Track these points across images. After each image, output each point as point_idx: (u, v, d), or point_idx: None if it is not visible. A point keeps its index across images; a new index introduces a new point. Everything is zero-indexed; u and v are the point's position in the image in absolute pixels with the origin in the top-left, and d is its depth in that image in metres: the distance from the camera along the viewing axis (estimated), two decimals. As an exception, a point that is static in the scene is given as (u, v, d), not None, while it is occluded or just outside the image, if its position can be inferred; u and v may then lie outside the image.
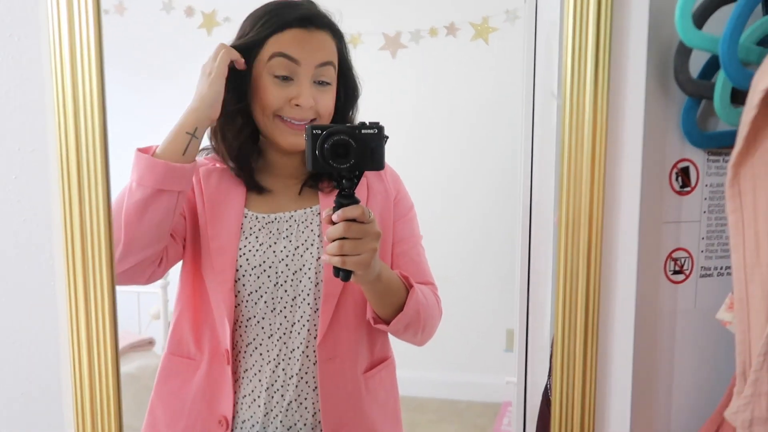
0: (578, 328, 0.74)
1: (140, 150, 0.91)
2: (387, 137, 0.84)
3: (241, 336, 0.98)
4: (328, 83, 0.97)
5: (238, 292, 0.96)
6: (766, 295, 0.68)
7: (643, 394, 0.82)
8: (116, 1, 2.67)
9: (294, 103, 0.95)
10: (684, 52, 0.74)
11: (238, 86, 0.96)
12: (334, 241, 0.82)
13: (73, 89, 0.74)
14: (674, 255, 0.82)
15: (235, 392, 0.98)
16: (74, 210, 0.75)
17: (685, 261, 0.82)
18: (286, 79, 0.95)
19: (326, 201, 1.00)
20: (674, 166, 0.80)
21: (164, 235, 0.93)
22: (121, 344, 2.09)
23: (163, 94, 2.78)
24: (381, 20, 3.03)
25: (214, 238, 0.97)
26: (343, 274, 0.84)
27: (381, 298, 0.93)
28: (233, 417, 0.98)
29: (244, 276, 0.96)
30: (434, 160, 2.90)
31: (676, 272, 0.82)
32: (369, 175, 1.02)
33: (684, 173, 0.81)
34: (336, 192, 0.84)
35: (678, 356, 0.83)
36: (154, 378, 2.21)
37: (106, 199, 0.75)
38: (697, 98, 0.77)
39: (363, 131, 0.82)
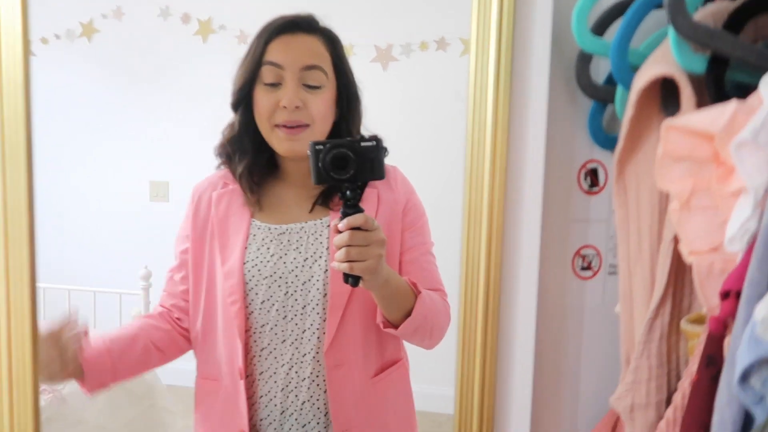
0: (479, 320, 0.78)
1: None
2: (386, 149, 0.89)
3: (255, 341, 1.03)
4: (317, 87, 1.01)
5: (251, 301, 1.01)
6: (648, 287, 0.71)
7: (548, 385, 0.85)
8: (114, 6, 2.76)
9: (282, 105, 0.99)
10: (585, 57, 0.79)
11: (246, 106, 1.02)
12: (340, 248, 0.87)
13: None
14: (582, 252, 0.85)
15: (249, 407, 1.03)
16: None
17: (593, 258, 0.86)
18: (274, 85, 1.00)
19: (336, 214, 1.03)
20: (583, 166, 0.84)
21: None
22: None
23: (154, 97, 2.85)
24: (373, 33, 3.09)
25: (225, 263, 1.03)
26: (351, 279, 0.89)
27: (389, 302, 0.97)
28: (249, 426, 1.03)
29: (256, 286, 1.01)
30: (422, 171, 2.94)
31: (584, 268, 0.86)
32: (379, 186, 1.05)
33: (593, 174, 0.84)
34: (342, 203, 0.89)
35: (585, 350, 0.86)
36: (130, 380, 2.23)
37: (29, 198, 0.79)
38: (600, 102, 0.81)
39: (362, 144, 0.87)
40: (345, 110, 1.06)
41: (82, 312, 2.27)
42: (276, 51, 0.99)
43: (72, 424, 2.00)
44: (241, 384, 1.02)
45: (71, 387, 1.97)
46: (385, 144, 0.90)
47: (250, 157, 1.05)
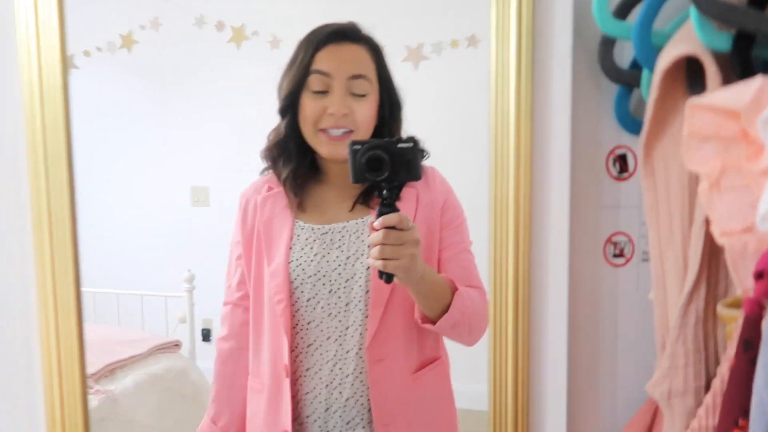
0: (509, 312, 0.78)
1: None
2: (423, 151, 0.91)
3: (302, 338, 1.06)
4: (363, 95, 1.04)
5: (297, 299, 1.05)
6: (681, 272, 0.70)
7: (584, 376, 0.84)
8: (152, 17, 2.84)
9: (329, 113, 1.03)
10: (608, 41, 0.78)
11: (293, 111, 1.06)
12: (375, 246, 0.89)
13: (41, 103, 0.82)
14: (614, 239, 0.84)
15: (294, 405, 1.07)
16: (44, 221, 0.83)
17: (625, 245, 0.84)
18: (322, 93, 1.03)
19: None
20: (611, 152, 0.83)
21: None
22: (148, 346, 2.22)
23: (192, 104, 2.92)
24: (403, 32, 3.10)
25: (270, 263, 1.07)
26: (385, 276, 0.92)
27: (426, 299, 0.99)
28: (293, 425, 1.06)
29: (302, 284, 1.05)
30: (455, 169, 2.94)
31: (616, 256, 0.84)
32: (419, 186, 1.08)
33: (622, 159, 0.83)
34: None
35: (621, 338, 0.85)
36: (178, 379, 2.30)
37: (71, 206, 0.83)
38: (626, 86, 0.80)
39: (399, 145, 0.89)
40: (387, 116, 1.09)
41: (130, 314, 2.34)
42: (324, 60, 1.03)
43: (123, 423, 2.07)
44: (286, 382, 1.04)
45: (124, 386, 2.04)
46: (423, 146, 0.92)
47: (295, 160, 1.09)
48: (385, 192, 0.90)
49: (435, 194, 1.10)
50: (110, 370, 2.06)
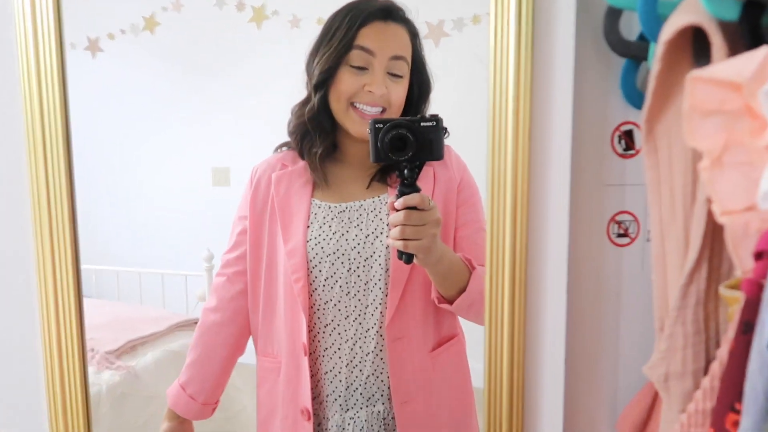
0: (506, 290, 0.77)
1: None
2: (446, 129, 0.91)
3: (320, 318, 1.07)
4: (400, 76, 1.04)
5: (315, 278, 1.05)
6: (682, 251, 0.68)
7: (584, 356, 0.83)
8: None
9: (367, 89, 1.02)
10: (614, 12, 0.75)
11: (322, 81, 1.06)
12: (396, 226, 0.89)
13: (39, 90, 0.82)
14: (618, 218, 0.82)
15: (314, 384, 1.08)
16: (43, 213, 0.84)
17: (630, 224, 0.82)
18: (361, 69, 1.03)
19: (394, 191, 1.07)
20: (617, 128, 0.80)
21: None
22: (168, 324, 2.27)
23: (213, 85, 2.94)
24: (423, 9, 3.05)
25: (288, 241, 1.07)
26: (405, 257, 0.92)
27: (444, 279, 0.99)
28: (313, 403, 1.08)
29: (320, 263, 1.05)
30: (479, 148, 2.91)
31: (620, 235, 0.82)
32: (435, 165, 1.08)
33: (628, 136, 0.81)
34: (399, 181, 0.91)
35: (624, 319, 0.83)
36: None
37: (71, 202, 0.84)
38: (633, 60, 0.77)
39: (422, 124, 0.89)
40: (416, 98, 1.09)
41: (152, 293, 2.39)
42: (368, 37, 1.03)
43: (146, 399, 2.12)
44: (305, 361, 1.05)
45: (144, 363, 2.09)
46: (445, 125, 0.91)
47: (323, 136, 1.09)
48: (406, 171, 0.89)
49: (451, 172, 1.09)
50: (131, 347, 2.11)
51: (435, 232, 0.90)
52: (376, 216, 1.06)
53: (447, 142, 1.14)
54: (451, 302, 1.00)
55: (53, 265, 0.83)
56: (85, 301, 2.26)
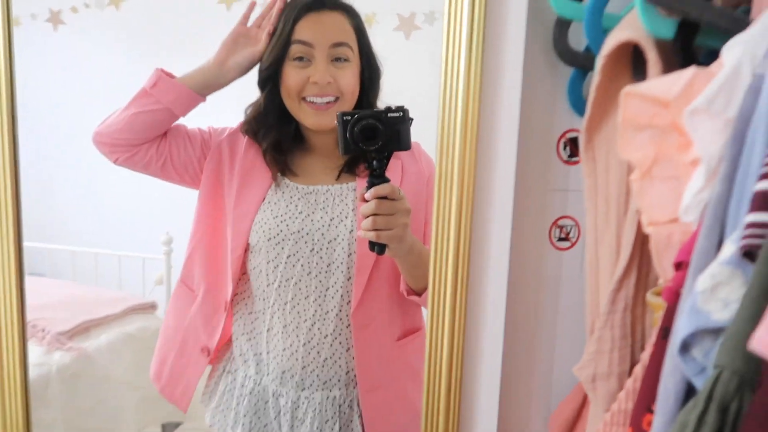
0: (447, 291, 0.79)
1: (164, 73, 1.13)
2: (412, 120, 0.91)
3: (280, 295, 1.07)
4: (345, 60, 1.04)
5: (277, 255, 1.06)
6: (614, 258, 0.70)
7: (521, 355, 0.85)
8: (139, -24, 2.79)
9: (312, 81, 1.02)
10: (563, 23, 0.77)
11: (273, 83, 1.06)
12: (368, 217, 0.90)
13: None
14: (560, 222, 0.85)
15: (271, 362, 1.10)
16: None
17: (571, 228, 0.85)
18: (303, 60, 1.03)
19: (362, 181, 1.08)
20: (562, 135, 0.83)
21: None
22: (124, 307, 2.24)
23: (178, 65, 2.89)
24: (395, 1, 3.05)
25: (238, 206, 1.08)
26: (377, 247, 0.93)
27: (413, 270, 1.00)
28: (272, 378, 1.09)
29: (283, 240, 1.05)
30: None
31: (561, 239, 0.85)
32: (403, 157, 1.09)
33: (573, 143, 0.83)
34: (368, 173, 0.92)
35: (561, 320, 0.86)
36: (153, 339, 2.34)
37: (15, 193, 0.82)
38: (580, 69, 0.79)
39: (389, 115, 0.90)
40: (367, 83, 1.09)
41: (108, 275, 2.35)
42: (305, 30, 1.03)
43: (98, 380, 2.10)
44: (223, 315, 1.11)
45: (98, 345, 2.07)
46: (411, 115, 0.92)
47: (275, 132, 1.09)
48: (375, 162, 0.90)
49: (420, 166, 1.11)
50: (85, 328, 2.08)
51: (406, 222, 0.92)
52: (342, 201, 1.07)
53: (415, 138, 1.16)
54: (419, 294, 1.02)
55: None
56: (38, 280, 2.19)
